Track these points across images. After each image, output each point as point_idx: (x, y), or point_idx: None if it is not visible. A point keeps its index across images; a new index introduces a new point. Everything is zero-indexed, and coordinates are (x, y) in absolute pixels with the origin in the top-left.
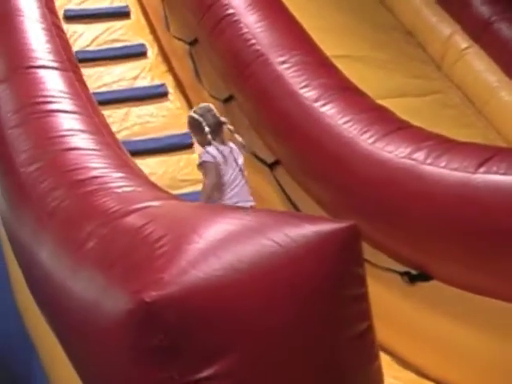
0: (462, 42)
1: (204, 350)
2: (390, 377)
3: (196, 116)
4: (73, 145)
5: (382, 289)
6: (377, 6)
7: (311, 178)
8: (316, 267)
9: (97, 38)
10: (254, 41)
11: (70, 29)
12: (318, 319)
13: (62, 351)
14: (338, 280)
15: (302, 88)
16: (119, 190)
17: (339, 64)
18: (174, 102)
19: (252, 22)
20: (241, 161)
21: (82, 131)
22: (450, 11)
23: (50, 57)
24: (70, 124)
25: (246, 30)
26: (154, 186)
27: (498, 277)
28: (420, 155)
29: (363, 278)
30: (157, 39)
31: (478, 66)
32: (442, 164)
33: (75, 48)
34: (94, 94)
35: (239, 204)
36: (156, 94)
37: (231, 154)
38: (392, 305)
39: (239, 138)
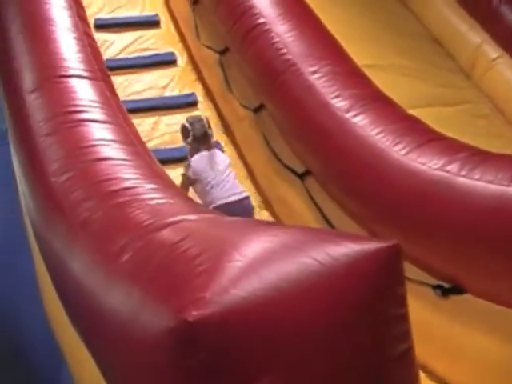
0: (491, 51)
1: (245, 370)
2: None
3: (186, 124)
4: (104, 155)
5: (413, 302)
6: (405, 14)
7: (342, 189)
8: (358, 287)
9: (127, 46)
10: (285, 50)
11: (100, 37)
12: (359, 340)
13: (92, 362)
14: (379, 300)
15: (334, 98)
16: (152, 202)
17: (368, 73)
18: (204, 111)
19: (283, 32)
20: (225, 161)
21: (114, 141)
22: (479, 20)
23: (82, 66)
24: (101, 134)
25: (277, 39)
26: (186, 197)
27: None
28: (454, 167)
29: (404, 297)
30: (186, 48)
31: (509, 75)
32: (476, 176)
33: (105, 56)
34: (124, 102)
35: (233, 197)
36: (186, 104)
37: (214, 159)
38: (424, 318)
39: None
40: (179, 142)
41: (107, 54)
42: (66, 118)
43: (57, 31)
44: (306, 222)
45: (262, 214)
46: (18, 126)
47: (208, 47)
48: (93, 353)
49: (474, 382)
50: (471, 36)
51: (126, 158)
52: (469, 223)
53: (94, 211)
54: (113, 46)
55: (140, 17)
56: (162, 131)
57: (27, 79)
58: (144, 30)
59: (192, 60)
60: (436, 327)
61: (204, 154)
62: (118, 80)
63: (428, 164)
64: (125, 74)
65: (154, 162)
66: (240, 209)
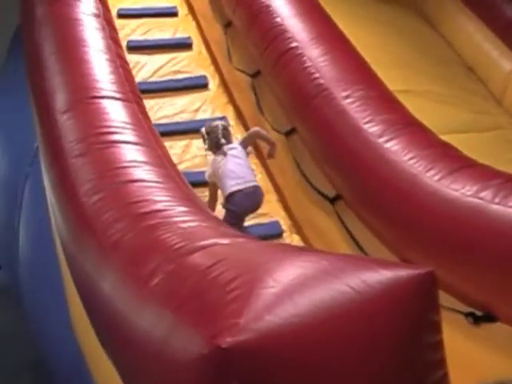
0: None
1: None
2: None
3: (203, 131)
4: (136, 176)
5: (445, 329)
6: (438, 40)
7: (374, 214)
8: (393, 314)
9: (159, 68)
10: (317, 75)
11: (132, 59)
12: (393, 368)
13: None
14: (414, 328)
15: (366, 123)
16: (184, 225)
17: (400, 98)
18: (235, 134)
19: (316, 56)
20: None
21: (145, 163)
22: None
23: (114, 88)
24: (132, 155)
25: (309, 63)
26: (218, 220)
27: None
28: (487, 194)
29: (439, 325)
30: (218, 70)
31: None
32: (511, 203)
33: (138, 79)
34: (156, 125)
35: (244, 184)
36: None
37: (225, 156)
38: (455, 346)
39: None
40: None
41: (139, 76)
42: (97, 139)
43: (90, 52)
44: (336, 247)
45: (293, 238)
46: (49, 147)
47: (240, 70)
48: (121, 374)
49: None
50: (503, 62)
51: (157, 180)
52: (502, 250)
53: (125, 233)
54: (145, 67)
55: (172, 39)
56: (192, 154)
57: (59, 100)
58: (176, 52)
59: (224, 83)
60: (468, 355)
61: (217, 158)
62: (150, 103)
63: (461, 190)
64: (156, 97)
65: (186, 184)
66: (254, 195)
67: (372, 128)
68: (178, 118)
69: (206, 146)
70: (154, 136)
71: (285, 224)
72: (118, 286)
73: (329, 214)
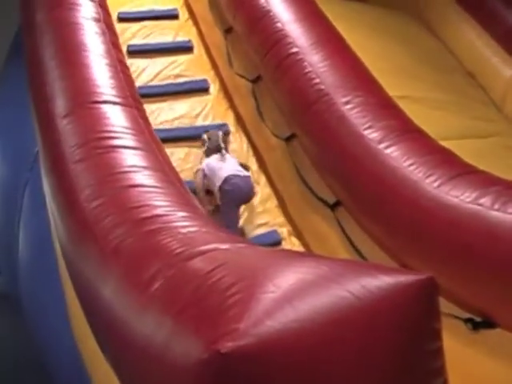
0: None
1: None
2: None
3: (204, 137)
4: (136, 181)
5: (444, 335)
6: (438, 47)
7: (374, 221)
8: (393, 320)
9: (160, 72)
10: (317, 80)
11: (133, 63)
12: (393, 374)
13: None
14: (414, 334)
15: (366, 129)
16: (184, 230)
17: (400, 105)
18: (236, 141)
19: (316, 61)
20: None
21: (146, 168)
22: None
23: (114, 92)
24: (133, 160)
25: (309, 68)
26: (218, 225)
27: None
28: (487, 200)
29: (439, 331)
30: (218, 75)
31: None
32: (510, 210)
33: (138, 83)
34: (156, 130)
35: (238, 172)
36: None
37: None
38: (454, 352)
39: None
40: None
41: (140, 80)
42: (97, 144)
43: (90, 57)
44: (336, 252)
45: (293, 243)
46: (49, 152)
47: (240, 75)
48: (121, 379)
49: None
50: (503, 68)
51: (157, 185)
52: (501, 257)
53: (126, 238)
54: (145, 71)
55: (173, 42)
56: (193, 163)
57: (59, 105)
58: (177, 55)
59: (224, 88)
60: (467, 361)
61: (215, 156)
62: (151, 107)
63: (460, 197)
64: (157, 101)
65: (186, 189)
66: (243, 184)
67: (372, 134)
68: (178, 123)
69: (205, 149)
70: (155, 141)
71: (285, 229)
72: (118, 291)
73: (329, 220)
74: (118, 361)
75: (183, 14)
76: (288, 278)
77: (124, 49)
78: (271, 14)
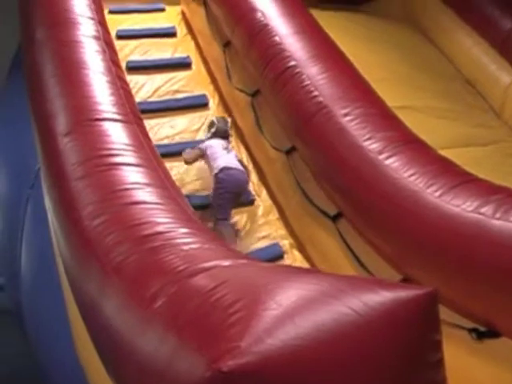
0: None
1: None
2: None
3: (214, 120)
4: (138, 198)
5: (448, 345)
6: (436, 55)
7: (375, 232)
8: (394, 335)
9: (158, 88)
10: (316, 93)
11: (132, 79)
12: None
13: None
14: (415, 347)
15: (366, 140)
16: (186, 247)
17: (400, 114)
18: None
19: (314, 74)
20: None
21: (147, 184)
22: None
23: (115, 109)
24: (134, 177)
25: (308, 81)
26: (219, 242)
27: None
28: (488, 209)
29: (440, 344)
30: (217, 90)
31: None
32: None
33: (138, 99)
34: (157, 146)
35: (234, 165)
36: None
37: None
38: (459, 362)
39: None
40: (210, 189)
41: (139, 96)
42: (99, 161)
43: (90, 75)
44: (339, 264)
45: (295, 256)
46: (51, 169)
47: (239, 90)
48: None
49: None
50: (501, 75)
51: (159, 201)
52: (504, 266)
53: (128, 255)
54: (144, 87)
55: (172, 59)
56: (194, 177)
57: (60, 122)
58: (175, 71)
59: (223, 102)
60: (471, 370)
61: (221, 141)
62: (151, 123)
63: (462, 206)
64: (157, 117)
65: (187, 205)
66: (238, 176)
67: (372, 145)
68: (178, 139)
69: (213, 131)
70: (155, 157)
71: (286, 241)
72: (121, 309)
73: (330, 231)
74: (120, 377)
75: (181, 31)
76: (289, 295)
77: (123, 65)
78: (269, 27)
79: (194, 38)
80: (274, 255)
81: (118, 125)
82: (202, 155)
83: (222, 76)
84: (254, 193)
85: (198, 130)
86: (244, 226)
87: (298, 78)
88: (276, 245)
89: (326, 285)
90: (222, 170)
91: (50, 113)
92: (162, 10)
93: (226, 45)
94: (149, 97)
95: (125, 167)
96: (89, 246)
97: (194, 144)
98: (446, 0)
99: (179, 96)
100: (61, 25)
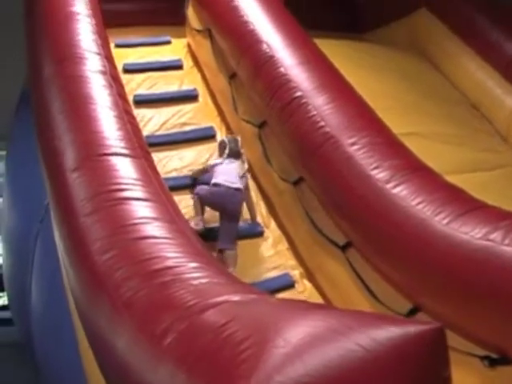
0: None
1: None
2: None
3: (225, 140)
4: (146, 233)
5: (460, 373)
6: (442, 81)
7: (385, 260)
8: (402, 371)
9: (166, 121)
10: (322, 123)
11: (139, 113)
12: None
13: None
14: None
15: (373, 169)
16: (195, 282)
17: (405, 141)
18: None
19: (320, 104)
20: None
21: (155, 219)
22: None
23: (122, 144)
24: (143, 212)
25: (314, 112)
26: (229, 275)
27: None
28: (497, 236)
29: (449, 380)
30: (225, 121)
31: None
32: None
33: (145, 132)
34: (165, 179)
35: (226, 182)
36: None
37: (232, 164)
38: None
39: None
40: (217, 220)
41: (147, 129)
42: (107, 196)
43: (97, 110)
44: (348, 293)
45: (305, 285)
46: (60, 205)
47: (246, 121)
48: None
49: None
50: (506, 99)
51: (168, 236)
52: None
53: (137, 290)
54: (152, 121)
55: (178, 92)
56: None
57: (69, 158)
58: (182, 104)
59: (231, 134)
60: None
61: (226, 160)
62: (159, 156)
63: (470, 233)
64: (165, 150)
65: (196, 238)
66: (228, 196)
67: (379, 174)
68: (187, 171)
69: (227, 152)
70: (164, 191)
71: (297, 272)
72: (131, 344)
73: (340, 260)
74: None
75: (187, 63)
76: (297, 332)
77: (130, 99)
78: (274, 59)
79: (200, 70)
80: (284, 285)
81: (126, 159)
82: (207, 171)
83: (228, 108)
84: (262, 224)
85: (206, 162)
86: (254, 256)
87: (304, 108)
88: (286, 275)
89: (334, 321)
90: (214, 184)
91: (57, 149)
92: (168, 42)
93: (232, 76)
94: (156, 130)
95: (133, 202)
96: (98, 281)
97: (201, 177)
98: (451, 26)
99: (187, 128)
100: (67, 60)
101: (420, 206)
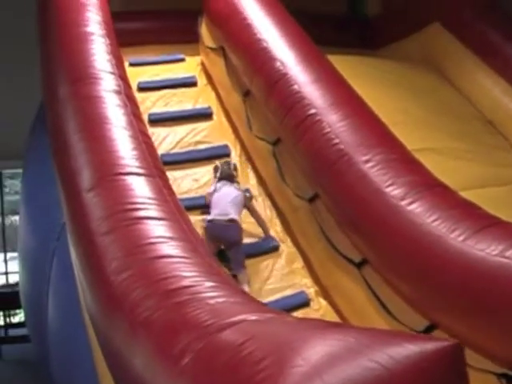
0: None
1: None
2: None
3: (218, 164)
4: (163, 252)
5: None
6: (457, 97)
7: (401, 278)
8: None
9: (181, 140)
10: (337, 140)
11: (154, 132)
12: None
13: None
14: None
15: (388, 186)
16: (212, 301)
17: (420, 157)
18: (259, 204)
19: (334, 122)
20: (233, 194)
21: (171, 238)
22: None
23: (137, 163)
24: (158, 231)
25: (328, 129)
26: (245, 294)
27: None
28: None
29: None
30: (239, 139)
31: None
32: None
33: (160, 151)
34: (180, 200)
35: (219, 216)
36: None
37: (223, 188)
38: None
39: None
40: None
41: (162, 148)
42: (123, 216)
43: (112, 130)
44: (364, 311)
45: (320, 303)
46: (76, 225)
47: (260, 138)
48: None
49: None
50: None
51: (184, 255)
52: None
53: (154, 310)
54: (167, 139)
55: (193, 110)
56: None
57: (84, 178)
58: (197, 122)
59: (245, 151)
60: None
61: (219, 184)
62: (174, 175)
63: (486, 250)
64: (180, 168)
65: (212, 258)
66: (224, 229)
67: (394, 191)
68: (202, 192)
69: (218, 175)
70: (179, 210)
71: (312, 290)
72: (149, 365)
73: (356, 278)
74: None
75: (201, 80)
76: (316, 351)
77: (145, 118)
78: (288, 76)
79: (214, 88)
80: (300, 303)
81: (141, 179)
82: (207, 200)
83: (242, 125)
84: (278, 239)
85: None
86: (270, 274)
87: (318, 125)
88: (302, 293)
89: (351, 340)
90: (208, 221)
91: (73, 169)
92: (182, 60)
93: (246, 94)
94: (171, 148)
95: (149, 221)
96: (115, 301)
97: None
98: (465, 40)
99: (201, 147)
100: (83, 80)
101: (435, 223)
